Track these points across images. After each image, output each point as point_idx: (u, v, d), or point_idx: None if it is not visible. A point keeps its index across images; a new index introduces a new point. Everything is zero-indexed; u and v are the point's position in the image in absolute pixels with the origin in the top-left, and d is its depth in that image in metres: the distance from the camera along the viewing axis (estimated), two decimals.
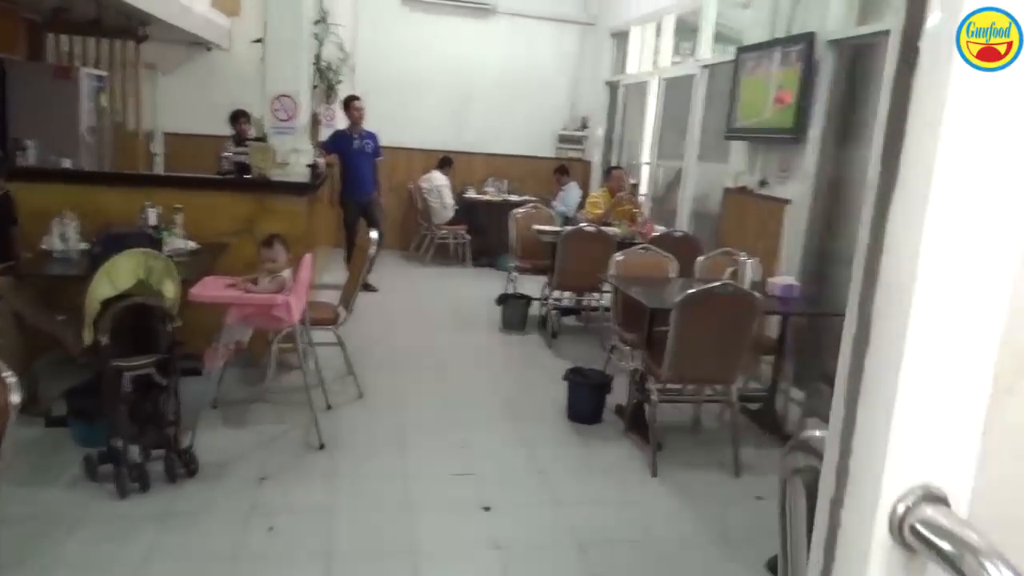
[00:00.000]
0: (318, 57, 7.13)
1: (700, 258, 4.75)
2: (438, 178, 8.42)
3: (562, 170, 8.59)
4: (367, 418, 4.02)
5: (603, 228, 5.74)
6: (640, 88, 8.39)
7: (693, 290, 3.55)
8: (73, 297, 3.28)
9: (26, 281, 3.73)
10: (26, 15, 6.32)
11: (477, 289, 7.26)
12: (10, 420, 1.55)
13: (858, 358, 0.60)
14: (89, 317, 3.03)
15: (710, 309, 3.55)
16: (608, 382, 4.23)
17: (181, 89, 8.17)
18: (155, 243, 3.78)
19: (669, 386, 3.79)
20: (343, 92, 7.72)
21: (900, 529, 0.58)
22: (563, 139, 9.60)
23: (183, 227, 4.22)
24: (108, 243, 3.51)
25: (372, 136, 7.07)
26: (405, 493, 3.23)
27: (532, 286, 6.24)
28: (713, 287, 3.54)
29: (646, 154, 8.23)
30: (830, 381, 2.28)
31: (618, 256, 4.64)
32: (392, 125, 8.13)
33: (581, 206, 7.58)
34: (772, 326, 4.39)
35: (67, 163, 5.14)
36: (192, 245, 4.15)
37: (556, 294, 6.03)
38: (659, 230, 6.11)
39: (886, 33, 4.50)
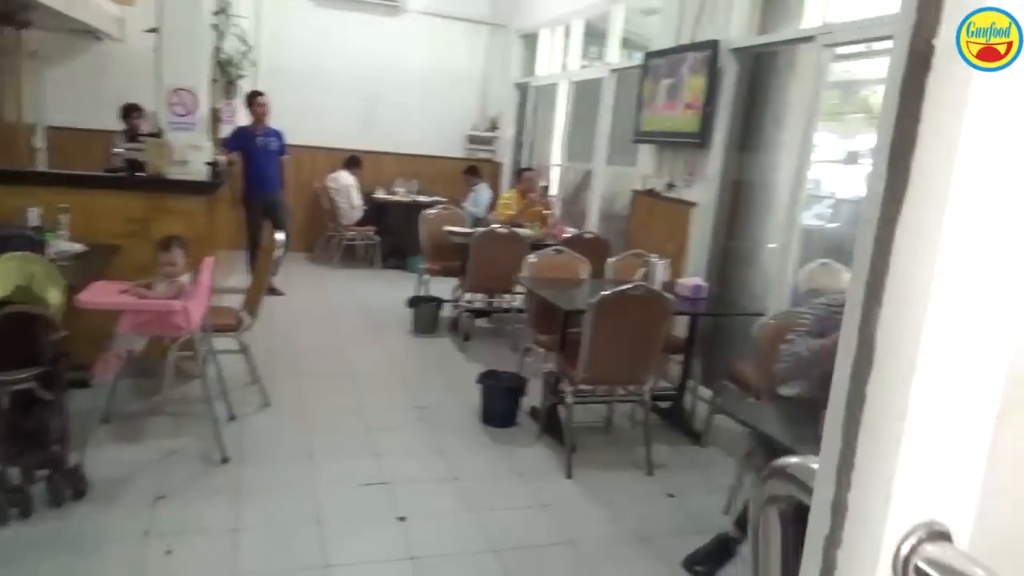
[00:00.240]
0: (218, 50, 6.80)
1: (611, 259, 4.81)
2: (345, 178, 8.22)
3: (472, 171, 8.54)
4: (274, 428, 3.86)
5: (515, 229, 5.73)
6: (550, 90, 8.45)
7: (606, 292, 3.57)
8: None
9: None
10: None
11: (387, 292, 7.12)
12: None
13: (858, 384, 0.56)
14: None
15: (623, 310, 3.58)
16: (522, 385, 4.21)
17: (68, 80, 7.65)
18: (37, 246, 3.50)
19: (582, 387, 3.80)
20: (245, 87, 7.41)
21: (904, 570, 0.55)
22: (473, 140, 9.55)
23: (69, 228, 3.93)
24: None
25: (277, 133, 6.82)
26: (315, 506, 3.11)
27: (443, 288, 6.17)
28: (626, 289, 3.58)
29: (556, 156, 8.29)
30: (735, 379, 2.33)
31: (531, 258, 4.64)
32: (297, 123, 7.87)
33: (492, 207, 7.56)
34: (680, 326, 4.48)
35: None
36: (79, 248, 3.87)
37: (468, 296, 5.98)
38: (570, 232, 6.15)
39: (786, 42, 4.69)
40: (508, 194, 6.78)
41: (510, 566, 2.82)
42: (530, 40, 9.06)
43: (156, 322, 3.36)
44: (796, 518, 0.81)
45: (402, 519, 3.06)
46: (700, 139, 5.01)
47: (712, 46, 4.90)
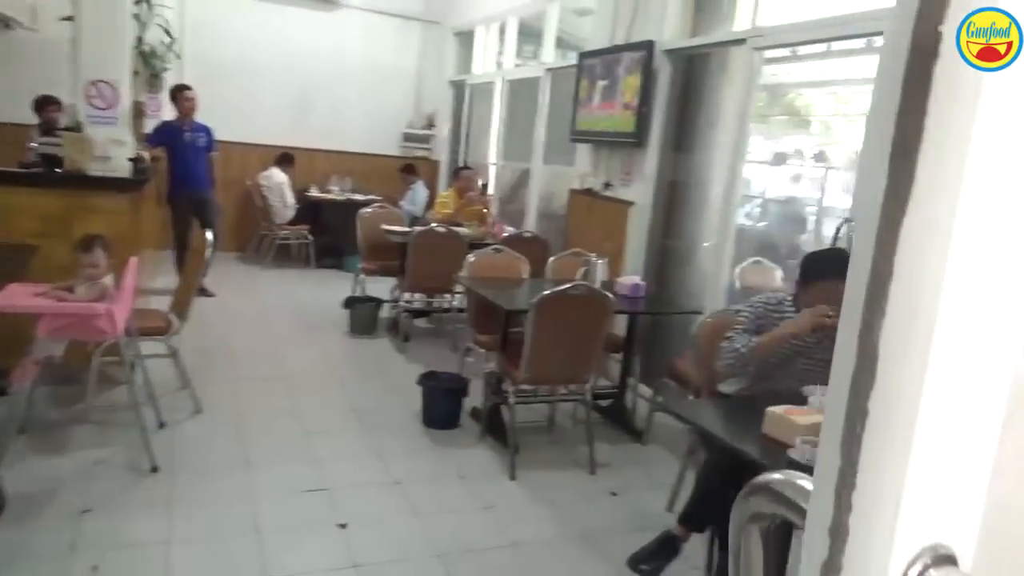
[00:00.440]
0: (140, 40, 6.53)
1: (551, 259, 4.82)
2: (278, 175, 8.01)
3: (409, 169, 8.44)
4: (206, 434, 3.72)
5: (454, 228, 5.68)
6: (486, 88, 8.42)
7: (547, 291, 3.57)
8: None
9: None
10: None
11: (323, 292, 6.97)
12: None
13: (859, 399, 0.52)
14: None
15: (564, 310, 3.58)
16: (464, 385, 4.18)
17: None
18: None
19: (524, 387, 3.79)
20: (170, 81, 7.13)
21: None
22: (409, 138, 9.44)
23: None
24: None
25: (205, 129, 6.58)
26: (252, 515, 3.00)
27: (381, 288, 6.08)
28: (567, 288, 3.58)
29: (493, 154, 8.27)
30: (675, 377, 2.34)
31: (470, 257, 4.60)
32: (227, 118, 7.61)
33: (430, 206, 7.49)
34: (619, 324, 4.52)
35: None
36: None
37: (407, 296, 5.90)
38: (509, 231, 6.14)
39: (717, 44, 4.78)
40: (446, 193, 6.72)
41: (454, 570, 2.78)
42: (465, 38, 9.01)
43: (78, 326, 3.19)
44: (779, 537, 0.79)
45: (343, 526, 2.99)
46: (636, 139, 5.06)
47: (647, 47, 4.96)
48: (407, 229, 5.96)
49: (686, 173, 5.14)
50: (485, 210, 6.43)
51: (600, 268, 4.31)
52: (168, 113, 6.86)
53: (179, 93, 6.50)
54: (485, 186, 7.18)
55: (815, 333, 2.72)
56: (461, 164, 7.93)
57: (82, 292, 3.22)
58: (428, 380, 4.16)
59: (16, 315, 3.05)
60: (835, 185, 7.31)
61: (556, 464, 3.81)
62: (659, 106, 5.02)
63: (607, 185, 5.48)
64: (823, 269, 2.73)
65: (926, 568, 0.52)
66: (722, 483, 2.57)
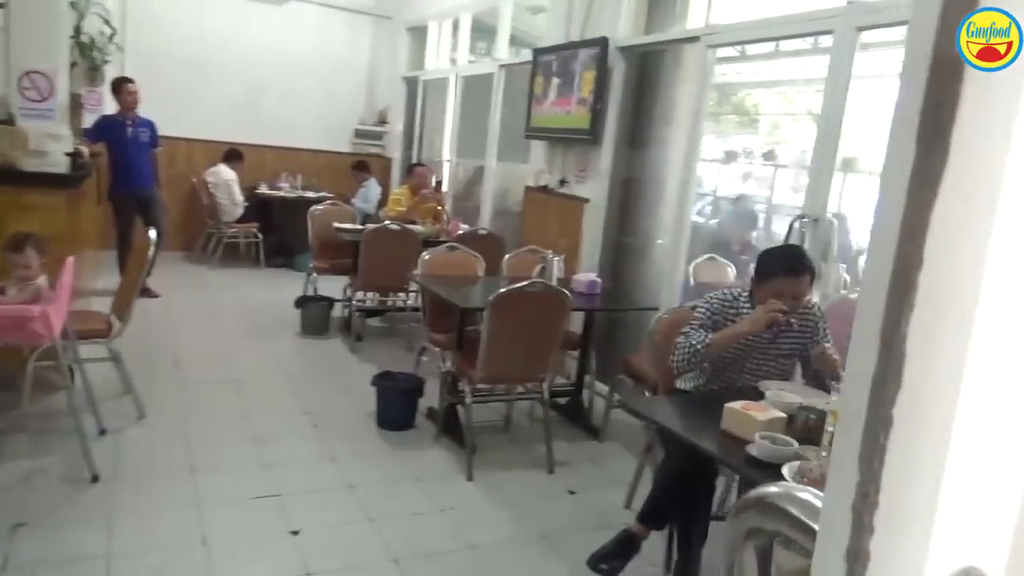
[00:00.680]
0: (78, 30, 6.27)
1: (507, 256, 4.77)
2: (225, 172, 7.80)
3: (361, 166, 8.30)
4: (150, 441, 3.57)
5: (407, 226, 5.59)
6: (440, 85, 8.33)
7: (504, 289, 3.52)
8: None
9: None
10: None
11: (273, 292, 6.81)
12: None
13: (882, 406, 0.45)
14: None
15: (521, 307, 3.54)
16: (419, 386, 4.10)
17: None
18: None
19: (481, 386, 3.74)
20: (111, 73, 6.87)
21: None
22: (361, 134, 9.29)
23: None
24: None
25: (149, 124, 6.35)
26: (200, 524, 2.89)
27: (333, 287, 5.95)
28: (523, 286, 3.54)
29: (447, 151, 8.19)
30: (632, 374, 2.31)
31: (425, 255, 4.53)
32: (172, 113, 7.38)
33: (383, 203, 7.38)
34: (576, 322, 4.50)
35: None
36: None
37: (360, 295, 5.80)
38: (464, 228, 6.08)
39: (671, 42, 4.79)
40: (399, 190, 6.63)
41: (411, 575, 2.72)
42: (418, 33, 8.91)
43: (11, 329, 3.03)
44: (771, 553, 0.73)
45: (295, 533, 2.89)
46: (591, 135, 5.05)
47: (601, 43, 4.94)
48: (360, 227, 5.86)
49: (641, 170, 5.15)
50: (439, 207, 6.36)
51: (556, 265, 4.28)
52: (109, 107, 6.61)
53: (121, 86, 6.27)
54: (439, 183, 7.09)
55: (770, 329, 2.73)
56: (415, 161, 7.84)
57: (14, 294, 3.06)
58: (382, 381, 4.07)
59: None
60: (784, 183, 7.45)
61: (514, 464, 3.77)
62: (613, 103, 5.01)
63: (562, 182, 5.45)
64: (777, 266, 2.74)
65: None
66: (680, 480, 2.56)
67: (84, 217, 5.15)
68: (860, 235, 5.94)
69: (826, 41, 4.58)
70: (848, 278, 4.73)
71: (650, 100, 5.12)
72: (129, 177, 6.21)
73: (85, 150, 5.07)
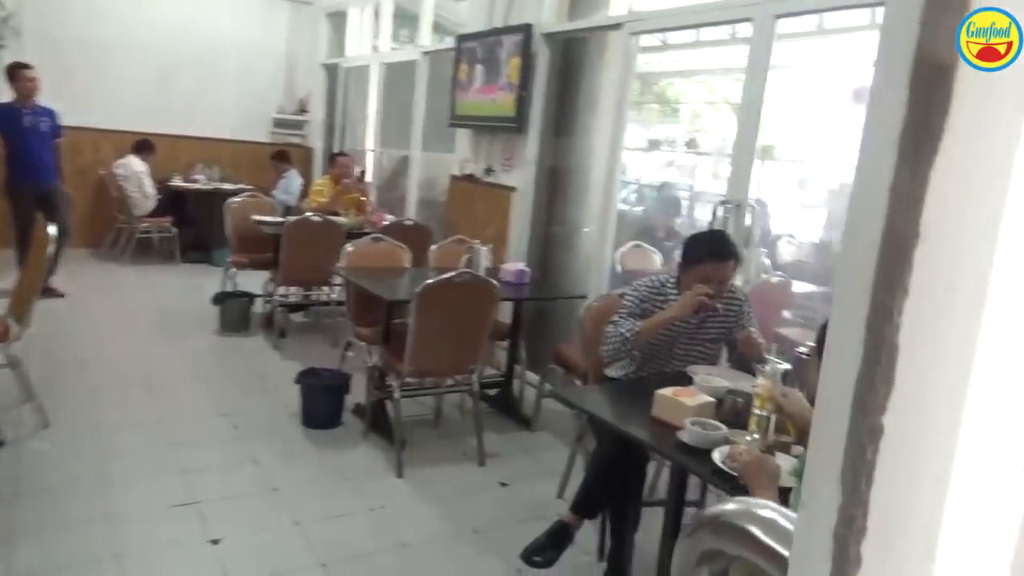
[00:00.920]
0: None
1: (433, 247, 4.69)
2: (136, 164, 7.42)
3: (281, 156, 8.02)
4: (56, 452, 3.35)
5: (330, 217, 5.43)
6: (361, 72, 8.13)
7: (431, 280, 3.44)
8: None
9: None
10: None
11: (189, 288, 6.53)
12: None
13: (868, 412, 0.37)
14: None
15: (449, 299, 3.47)
16: (346, 382, 3.99)
17: None
18: None
19: (409, 380, 3.66)
20: (7, 59, 6.43)
21: None
22: (279, 123, 9.00)
23: None
24: None
25: (49, 113, 5.96)
26: (112, 538, 2.72)
27: (253, 282, 5.74)
28: (451, 276, 3.47)
29: (370, 141, 8.01)
30: (562, 362, 2.28)
31: (349, 247, 4.40)
32: (75, 101, 6.97)
33: (304, 194, 7.16)
34: (504, 311, 4.45)
35: None
36: None
37: (282, 290, 5.61)
38: (389, 219, 5.95)
39: (595, 29, 4.78)
40: (321, 180, 6.44)
41: None
42: (338, 19, 8.67)
43: None
44: None
45: (216, 542, 2.76)
46: (516, 123, 5.00)
47: (525, 30, 4.89)
48: (280, 219, 5.66)
49: (567, 158, 5.13)
50: (363, 198, 6.20)
51: (484, 255, 4.23)
52: (5, 95, 6.18)
53: (17, 72, 5.86)
54: (363, 173, 6.94)
55: (697, 314, 2.75)
56: (337, 150, 7.64)
57: None
58: (306, 378, 3.94)
59: None
60: (705, 170, 7.60)
61: (444, 458, 3.70)
62: (538, 91, 4.98)
63: (488, 171, 5.39)
64: (703, 251, 2.75)
65: None
66: (612, 468, 2.55)
67: None
68: (779, 221, 6.11)
69: (744, 31, 4.65)
70: (768, 262, 4.85)
71: (575, 88, 5.10)
72: (28, 170, 5.82)
73: None
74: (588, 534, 2.77)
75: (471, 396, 3.77)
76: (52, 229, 3.70)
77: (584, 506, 2.62)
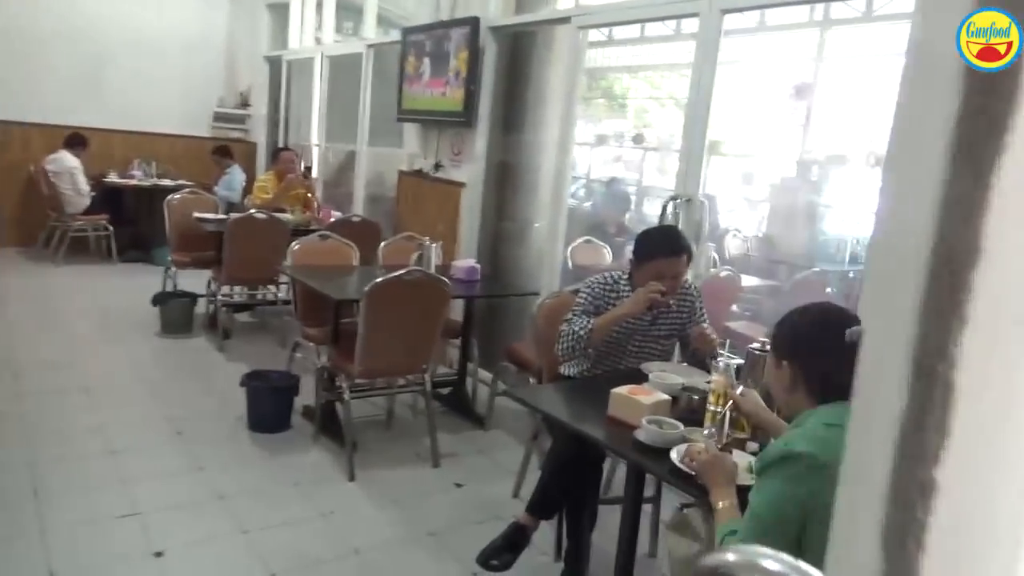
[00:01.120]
0: None
1: (383, 244, 4.60)
2: (68, 159, 7.11)
3: (223, 151, 7.80)
4: None
5: (275, 214, 5.29)
6: (305, 65, 7.94)
7: (380, 278, 3.37)
8: None
9: None
10: None
11: (128, 289, 6.30)
12: None
13: (918, 463, 0.30)
14: None
15: (399, 297, 3.41)
16: (294, 383, 3.88)
17: None
18: None
19: (360, 380, 3.58)
20: None
21: None
22: (220, 117, 8.75)
23: None
24: None
25: None
26: (47, 554, 2.59)
27: (196, 282, 5.56)
28: (401, 274, 3.40)
29: (315, 136, 7.84)
30: (515, 360, 2.25)
31: (294, 245, 4.29)
32: (1, 93, 6.65)
33: (248, 191, 6.98)
34: (456, 309, 4.40)
35: None
36: None
37: (225, 289, 5.45)
38: (336, 215, 5.83)
39: (542, 22, 4.75)
40: (264, 176, 6.27)
41: None
42: (279, 10, 8.45)
43: None
44: None
45: (159, 555, 2.65)
46: (465, 118, 4.94)
47: (472, 23, 4.83)
48: (222, 216, 5.50)
49: (516, 153, 5.10)
50: (309, 194, 6.06)
51: (434, 252, 4.16)
52: None
53: None
54: (309, 169, 6.79)
55: (650, 311, 2.75)
56: (280, 145, 7.46)
57: None
58: (252, 380, 3.82)
59: None
60: (652, 166, 7.67)
61: (398, 460, 3.64)
62: (487, 85, 4.92)
63: (437, 166, 5.33)
64: (655, 247, 2.75)
65: None
66: (568, 467, 2.53)
67: None
68: (725, 215, 6.20)
69: (688, 27, 4.69)
70: (717, 257, 4.90)
71: (523, 83, 5.07)
72: None
73: None
74: (545, 534, 2.75)
75: (424, 396, 3.71)
76: None
77: (540, 507, 2.59)
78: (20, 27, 7.35)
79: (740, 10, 3.57)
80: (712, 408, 2.13)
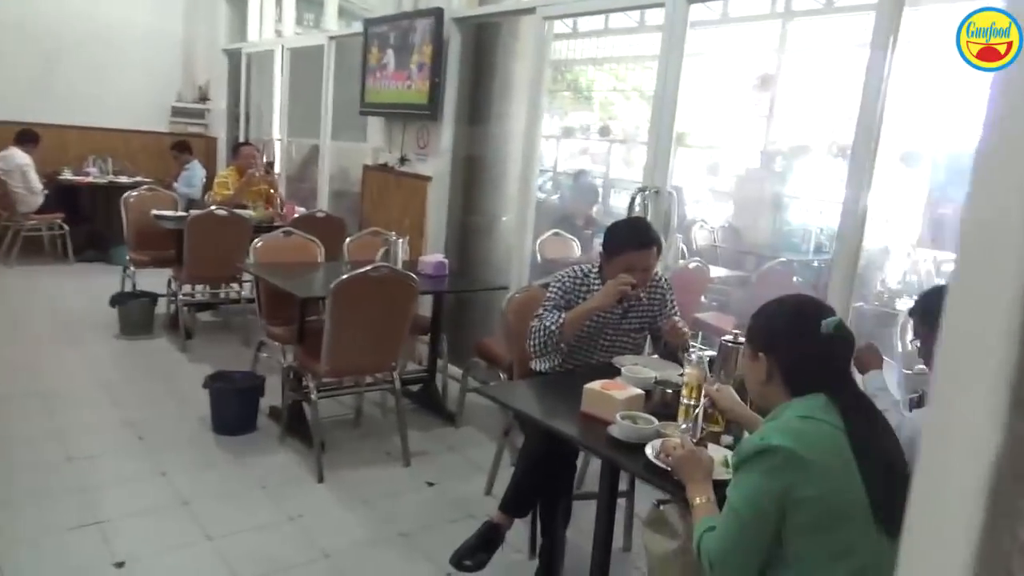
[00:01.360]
0: None
1: (348, 239, 4.52)
2: (19, 156, 6.87)
3: (182, 146, 7.61)
4: None
5: (236, 211, 5.17)
6: (265, 58, 7.78)
7: (346, 275, 3.30)
8: None
9: None
10: None
11: (85, 289, 6.12)
12: None
13: (1018, 521, 0.24)
14: None
15: (366, 294, 3.34)
16: (259, 384, 3.79)
17: None
18: None
19: (327, 380, 3.51)
20: None
21: None
22: (179, 112, 8.55)
23: None
24: None
25: None
26: (2, 567, 2.48)
27: (156, 281, 5.41)
28: (368, 270, 3.33)
29: (277, 130, 7.69)
30: (485, 356, 2.21)
31: (257, 242, 4.19)
32: None
33: (209, 187, 6.82)
34: (424, 304, 4.35)
35: None
36: None
37: (187, 288, 5.31)
38: (300, 211, 5.72)
39: (506, 13, 4.69)
40: (225, 172, 6.12)
41: None
42: (238, 2, 8.27)
43: None
44: None
45: (120, 565, 2.56)
46: (430, 111, 4.87)
47: (436, 14, 4.76)
48: (182, 213, 5.37)
49: (483, 146, 5.04)
50: (272, 190, 5.94)
51: (401, 247, 4.09)
52: None
53: None
54: (271, 164, 6.65)
55: (621, 304, 2.72)
56: (241, 140, 7.30)
57: None
58: (216, 381, 3.73)
59: None
60: (618, 158, 7.67)
61: (368, 459, 3.57)
62: (452, 77, 4.86)
63: (403, 160, 5.25)
64: (625, 240, 2.72)
65: None
66: (542, 464, 2.50)
67: None
68: (692, 206, 6.22)
69: (652, 18, 4.67)
70: (684, 248, 4.90)
71: (489, 75, 5.01)
72: None
73: None
74: (519, 531, 2.71)
75: (393, 394, 3.65)
76: None
77: (514, 505, 2.56)
78: None
79: (705, 0, 3.55)
80: (686, 402, 2.11)
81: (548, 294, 2.80)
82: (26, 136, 7.01)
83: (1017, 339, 0.25)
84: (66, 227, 7.14)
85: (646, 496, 2.65)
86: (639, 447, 1.92)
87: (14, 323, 5.37)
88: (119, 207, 5.56)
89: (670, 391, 2.24)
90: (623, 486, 2.70)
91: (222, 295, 5.82)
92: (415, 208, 5.09)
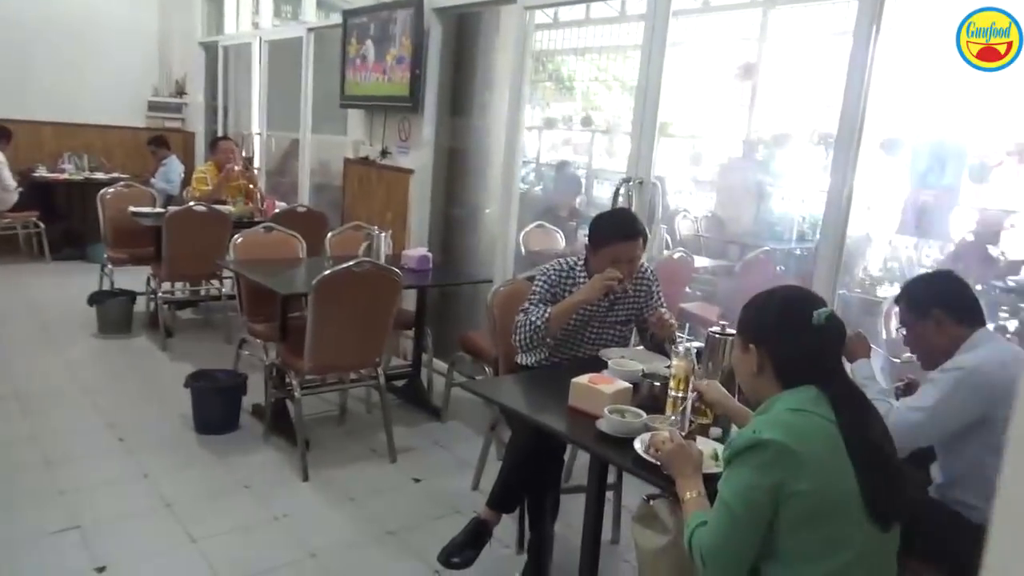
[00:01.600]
0: None
1: (330, 234, 4.46)
2: None
3: (159, 142, 7.49)
4: None
5: (215, 207, 5.09)
6: (243, 51, 7.67)
7: (328, 271, 3.25)
8: None
9: None
10: None
11: (63, 288, 6.02)
12: None
13: None
14: None
15: (349, 289, 3.30)
16: (241, 382, 3.75)
17: None
18: None
19: (310, 376, 3.46)
20: None
21: None
22: (155, 107, 8.42)
23: None
24: None
25: None
26: None
27: (135, 279, 5.33)
28: (350, 265, 3.29)
29: (256, 124, 7.59)
30: (470, 350, 2.18)
31: (237, 238, 4.12)
32: None
33: (187, 183, 6.72)
34: (408, 299, 4.30)
35: None
36: None
37: (166, 285, 5.23)
38: (280, 206, 5.65)
39: (487, 3, 4.64)
40: (203, 167, 6.03)
41: None
42: None
43: None
44: None
45: (101, 570, 2.51)
46: (411, 103, 4.82)
47: (416, 4, 4.70)
48: (160, 210, 5.28)
49: (465, 138, 5.00)
50: (251, 185, 5.86)
51: (383, 241, 4.05)
52: None
53: None
54: (250, 159, 6.57)
55: (607, 297, 2.70)
56: (219, 135, 7.21)
57: None
58: (198, 380, 3.67)
59: None
60: (601, 148, 7.64)
61: (353, 456, 3.54)
62: (432, 69, 4.81)
63: (384, 153, 5.19)
64: (611, 232, 2.70)
65: None
66: (529, 459, 2.47)
67: None
68: (675, 196, 6.21)
69: (633, 7, 4.63)
70: (669, 238, 4.89)
71: (471, 66, 4.96)
72: None
73: None
74: (507, 526, 2.69)
75: (377, 389, 3.61)
76: None
77: (501, 501, 2.53)
78: None
79: None
80: (674, 394, 2.09)
81: (534, 288, 2.77)
82: None
83: None
84: (42, 225, 7.04)
85: (634, 488, 2.64)
86: (628, 441, 1.89)
87: None
88: (96, 204, 5.47)
89: (658, 384, 2.22)
90: (611, 478, 2.69)
91: (202, 292, 5.74)
92: (397, 202, 5.04)
